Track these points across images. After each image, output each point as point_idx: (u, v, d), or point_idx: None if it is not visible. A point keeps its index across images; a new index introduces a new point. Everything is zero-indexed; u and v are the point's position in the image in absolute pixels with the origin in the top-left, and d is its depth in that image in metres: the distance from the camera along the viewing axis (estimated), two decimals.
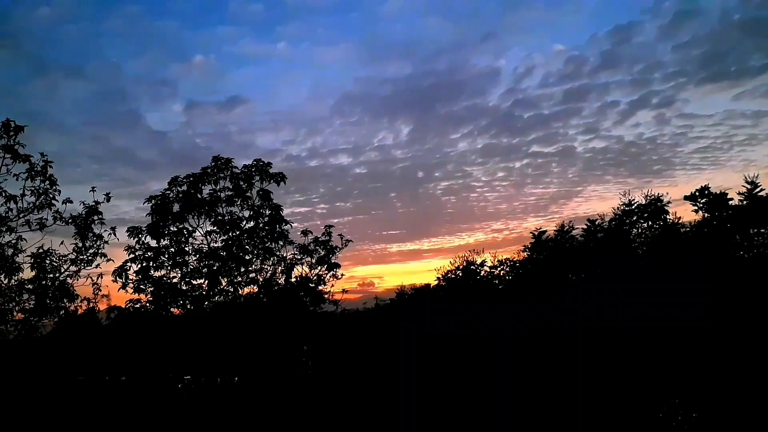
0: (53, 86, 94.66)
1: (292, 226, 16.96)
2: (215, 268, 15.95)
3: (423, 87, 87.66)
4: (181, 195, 16.41)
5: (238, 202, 16.56)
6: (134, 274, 15.75)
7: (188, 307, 15.91)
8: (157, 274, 15.95)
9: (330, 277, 16.94)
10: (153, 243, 16.05)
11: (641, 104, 72.36)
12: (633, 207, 18.81)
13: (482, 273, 24.95)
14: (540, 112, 78.49)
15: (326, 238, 17.11)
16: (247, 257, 16.22)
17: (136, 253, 15.91)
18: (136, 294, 15.71)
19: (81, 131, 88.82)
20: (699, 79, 67.64)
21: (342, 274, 17.16)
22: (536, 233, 23.12)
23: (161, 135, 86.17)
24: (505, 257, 24.76)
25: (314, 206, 79.45)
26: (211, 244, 16.37)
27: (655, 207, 18.17)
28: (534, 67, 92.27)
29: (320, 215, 77.90)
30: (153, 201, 16.15)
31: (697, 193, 17.35)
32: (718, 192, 16.99)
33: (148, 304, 15.75)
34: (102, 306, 15.00)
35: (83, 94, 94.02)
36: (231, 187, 16.67)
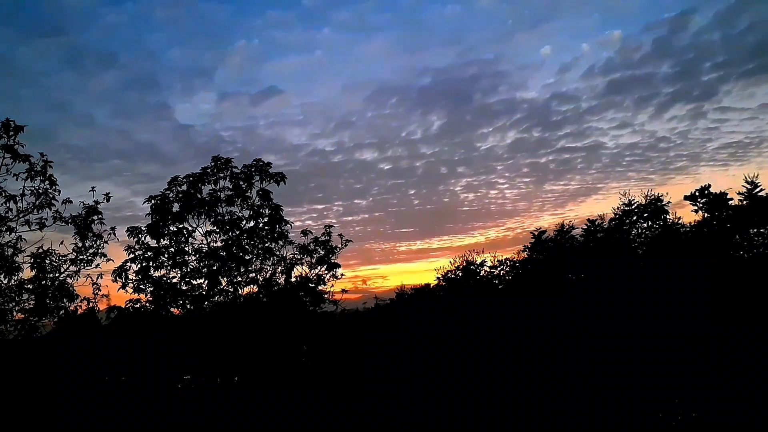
0: (85, 75, 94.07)
1: (291, 225, 16.97)
2: (215, 268, 15.94)
3: (463, 77, 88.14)
4: (180, 195, 16.39)
5: (238, 202, 16.54)
6: (134, 274, 15.74)
7: (188, 307, 15.90)
8: (157, 274, 15.94)
9: (330, 277, 16.92)
10: (153, 243, 16.05)
11: (681, 96, 70.62)
12: (633, 207, 18.79)
13: (482, 273, 24.93)
14: (578, 105, 77.44)
15: (326, 238, 17.10)
16: (246, 257, 16.21)
17: (136, 253, 15.90)
18: (136, 294, 15.71)
19: (106, 124, 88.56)
20: (744, 70, 65.13)
21: (342, 274, 17.15)
22: (536, 233, 23.10)
23: (187, 129, 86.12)
24: (505, 257, 24.74)
25: (332, 203, 79.37)
26: (211, 244, 16.37)
27: (655, 207, 18.16)
28: (580, 56, 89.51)
29: (336, 212, 77.79)
30: (153, 201, 16.13)
31: (696, 193, 17.33)
32: (718, 192, 16.98)
33: (147, 304, 15.73)
34: (102, 306, 15.00)
35: (114, 83, 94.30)
36: (231, 187, 16.65)
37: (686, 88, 69.99)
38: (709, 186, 17.21)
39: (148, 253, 15.94)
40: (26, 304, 13.42)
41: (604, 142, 75.50)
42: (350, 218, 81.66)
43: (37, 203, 13.22)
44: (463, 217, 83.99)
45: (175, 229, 16.23)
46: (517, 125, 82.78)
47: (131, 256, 15.85)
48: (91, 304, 14.47)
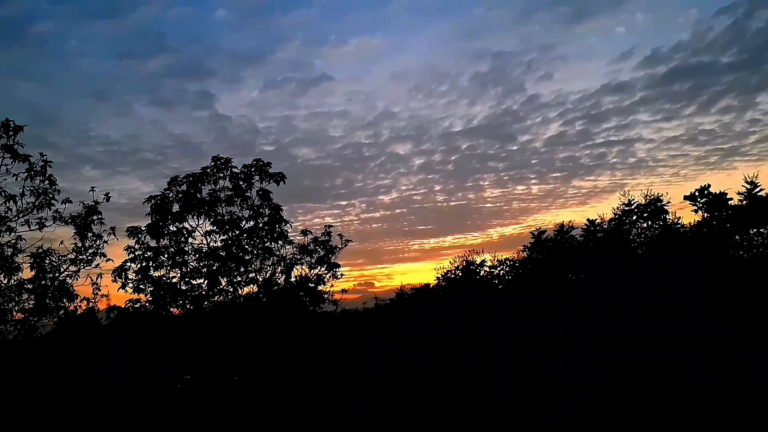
0: (130, 60, 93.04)
1: (291, 225, 16.97)
2: (215, 267, 15.93)
3: (520, 63, 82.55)
4: (180, 195, 16.38)
5: (238, 202, 16.54)
6: (134, 274, 15.74)
7: (188, 307, 15.90)
8: (157, 274, 15.94)
9: (329, 277, 16.93)
10: (152, 243, 16.04)
11: (736, 86, 64.94)
12: (632, 207, 18.79)
13: (482, 273, 24.94)
14: (629, 95, 72.93)
15: (326, 238, 17.10)
16: (246, 257, 16.20)
17: (136, 253, 15.90)
18: (136, 294, 15.71)
19: (142, 115, 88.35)
20: None
21: (341, 274, 17.16)
22: (536, 233, 23.11)
23: (224, 120, 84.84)
24: (505, 257, 24.77)
25: (356, 198, 78.72)
26: (211, 244, 16.36)
27: (655, 207, 18.17)
28: (645, 42, 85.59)
29: (358, 209, 77.08)
30: (152, 201, 16.12)
31: (696, 193, 17.34)
32: (717, 192, 16.99)
33: (147, 304, 15.73)
34: (102, 306, 14.99)
35: (158, 69, 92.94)
36: (230, 186, 16.64)
37: (745, 77, 64.66)
38: (709, 186, 17.22)
39: (148, 253, 15.94)
40: (26, 304, 13.41)
41: (644, 136, 72.31)
42: (370, 215, 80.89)
43: (36, 203, 13.21)
44: (484, 214, 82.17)
45: (174, 229, 16.23)
46: (563, 116, 79.31)
47: (131, 256, 15.86)
48: (90, 304, 14.47)
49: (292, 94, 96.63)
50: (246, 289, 16.36)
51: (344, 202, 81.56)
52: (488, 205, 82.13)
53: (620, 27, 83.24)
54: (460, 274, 25.35)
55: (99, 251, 14.16)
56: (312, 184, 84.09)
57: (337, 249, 17.11)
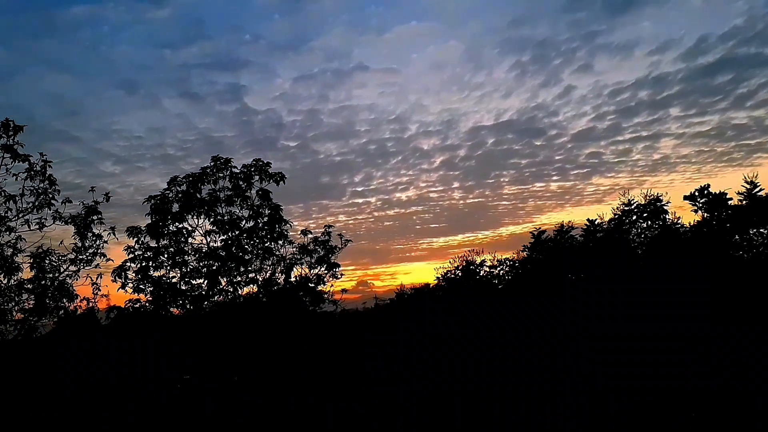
0: (165, 49, 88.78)
1: (291, 225, 16.98)
2: (215, 267, 15.93)
3: (564, 51, 75.17)
4: (180, 195, 16.38)
5: (238, 202, 16.54)
6: (134, 274, 15.74)
7: (188, 307, 15.90)
8: (157, 274, 15.95)
9: (329, 276, 16.93)
10: (152, 243, 16.04)
11: None
12: (632, 207, 18.79)
13: (482, 273, 24.94)
14: (666, 87, 66.63)
15: (326, 237, 17.11)
16: (246, 257, 16.20)
17: (136, 253, 15.90)
18: (136, 294, 15.72)
19: (169, 108, 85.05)
20: None
21: (341, 274, 17.17)
22: (536, 233, 23.11)
23: (251, 114, 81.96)
24: (504, 257, 24.77)
25: (373, 196, 77.57)
26: (211, 244, 16.36)
27: (654, 207, 18.17)
28: (693, 28, 78.43)
29: (373, 206, 75.66)
30: (152, 201, 16.12)
31: (696, 193, 17.34)
32: (717, 192, 16.99)
33: (147, 304, 15.73)
34: (101, 306, 14.99)
35: (191, 59, 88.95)
36: (230, 186, 16.65)
37: None
38: (708, 186, 17.22)
39: (148, 253, 15.94)
40: (26, 304, 13.42)
41: (672, 130, 67.01)
42: (384, 213, 79.16)
43: (36, 203, 13.21)
44: (498, 213, 78.82)
45: (174, 229, 16.24)
46: (596, 110, 73.67)
47: (131, 256, 15.86)
48: (90, 304, 14.47)
49: (325, 86, 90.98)
50: (246, 289, 16.38)
51: (360, 200, 79.35)
52: (504, 202, 78.90)
53: (673, 11, 74.02)
54: (460, 274, 25.35)
55: (99, 251, 14.17)
56: (331, 180, 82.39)
57: (337, 249, 17.13)
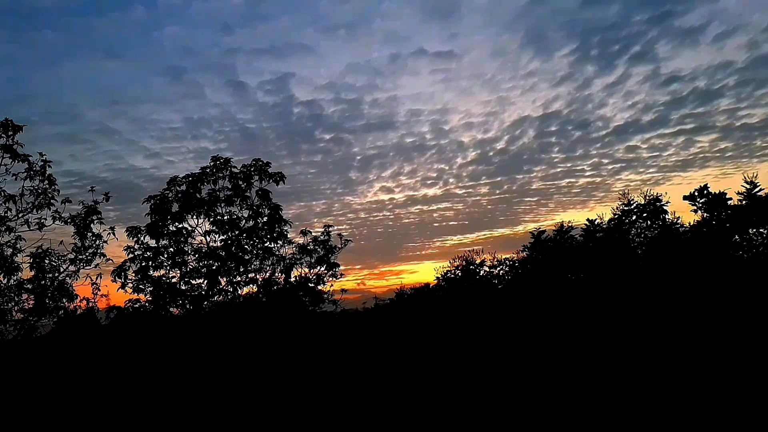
0: (221, 29, 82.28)
1: (291, 225, 17.01)
2: (214, 267, 15.96)
3: (624, 36, 68.28)
4: (180, 195, 16.42)
5: (237, 202, 16.57)
6: (133, 274, 15.76)
7: (187, 307, 15.91)
8: (156, 273, 15.97)
9: (329, 276, 16.96)
10: (152, 243, 16.07)
11: None
12: (632, 207, 18.82)
13: (482, 273, 24.98)
14: (720, 78, 62.39)
15: (325, 237, 17.14)
16: (246, 257, 16.23)
17: (135, 253, 15.92)
18: (135, 294, 15.73)
19: (210, 98, 79.77)
20: None
21: (341, 274, 17.19)
22: (535, 233, 23.14)
23: (291, 104, 77.00)
24: (504, 257, 24.83)
25: (399, 192, 75.59)
26: (210, 244, 16.39)
27: (654, 207, 18.19)
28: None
29: (395, 203, 73.09)
30: (152, 201, 16.16)
31: (696, 193, 17.36)
32: (717, 192, 17.01)
33: (147, 304, 15.75)
34: (101, 305, 15.01)
35: (243, 43, 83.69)
36: (230, 186, 16.68)
37: None
38: (708, 186, 17.25)
39: (148, 253, 15.97)
40: (26, 304, 13.45)
41: (716, 124, 63.36)
42: (407, 210, 76.75)
43: (36, 203, 13.25)
44: (520, 209, 75.85)
45: (174, 229, 16.26)
46: (645, 99, 68.92)
47: (130, 256, 15.88)
48: (90, 304, 14.49)
49: (375, 73, 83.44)
50: (246, 289, 16.40)
51: (386, 197, 77.19)
52: (527, 199, 76.43)
53: None
54: (459, 274, 25.39)
55: (99, 251, 14.21)
56: (359, 175, 79.50)
57: (337, 249, 17.16)
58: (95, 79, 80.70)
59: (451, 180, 78.03)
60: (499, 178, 78.00)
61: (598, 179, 71.39)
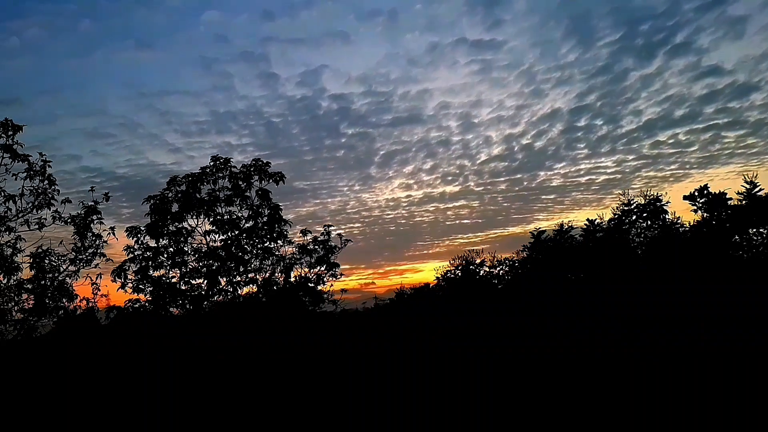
0: (259, 15, 76.70)
1: (291, 225, 17.02)
2: (214, 267, 15.96)
3: (671, 26, 62.28)
4: (179, 195, 16.43)
5: (237, 202, 16.59)
6: (133, 274, 15.77)
7: (187, 307, 15.92)
8: (156, 273, 15.98)
9: (329, 276, 16.96)
10: (152, 243, 16.08)
11: None
12: (632, 207, 18.82)
13: (482, 273, 24.98)
14: (751, 78, 57.63)
15: (325, 237, 17.15)
16: (246, 257, 16.24)
17: (135, 253, 15.93)
18: (135, 294, 15.74)
19: (238, 90, 75.00)
20: None
21: (341, 274, 17.19)
22: (535, 233, 23.15)
23: (320, 97, 72.22)
24: (504, 257, 24.84)
25: (417, 189, 72.86)
26: (210, 244, 16.39)
27: (654, 207, 18.20)
28: None
29: (414, 200, 71.37)
30: (152, 201, 16.17)
31: (696, 193, 17.36)
32: (717, 192, 17.01)
33: (147, 304, 15.76)
34: (101, 305, 15.02)
35: (279, 31, 77.45)
36: (230, 186, 16.69)
37: None
38: (708, 186, 17.26)
39: (148, 253, 15.98)
40: (26, 304, 13.45)
41: (747, 119, 59.59)
42: (423, 208, 74.26)
43: (36, 203, 13.27)
44: (535, 206, 71.94)
45: (174, 229, 16.27)
46: (678, 94, 63.89)
47: (130, 256, 15.89)
48: (90, 304, 14.50)
49: (411, 64, 78.02)
50: (245, 289, 16.41)
51: (403, 194, 72.20)
52: (543, 196, 73.21)
53: None
54: (459, 274, 25.39)
55: (98, 251, 14.22)
56: (379, 172, 74.24)
57: (337, 249, 17.16)
58: (124, 70, 77.33)
59: (471, 177, 73.43)
60: (519, 175, 74.36)
61: (619, 176, 68.78)
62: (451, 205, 73.18)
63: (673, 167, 65.07)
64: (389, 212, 71.36)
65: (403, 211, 72.18)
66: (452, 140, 74.39)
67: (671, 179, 66.39)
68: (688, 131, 64.67)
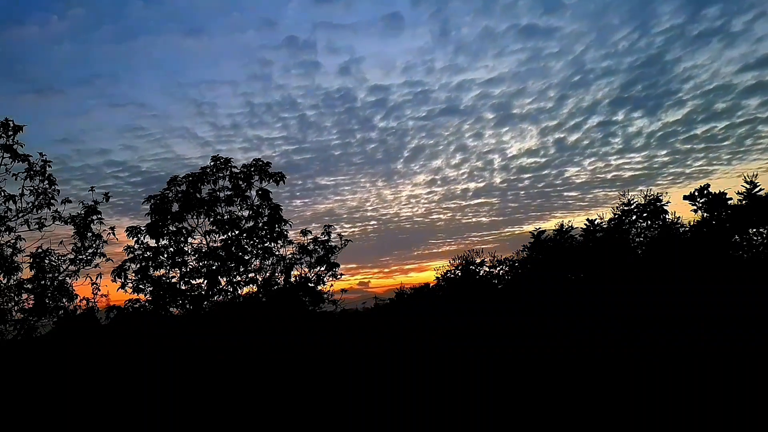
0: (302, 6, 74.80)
1: (291, 225, 17.03)
2: (214, 267, 15.97)
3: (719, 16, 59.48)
4: (180, 195, 16.44)
5: (237, 202, 16.60)
6: (133, 274, 15.77)
7: (187, 307, 15.92)
8: (157, 273, 15.98)
9: (329, 276, 16.97)
10: (152, 243, 16.09)
11: None
12: (632, 207, 18.82)
13: (481, 273, 24.98)
14: None
15: (325, 237, 17.15)
16: (246, 257, 16.25)
17: (135, 253, 15.93)
18: (135, 294, 15.74)
19: (281, 84, 73.36)
20: None
21: (341, 274, 17.19)
22: (535, 233, 23.14)
23: (358, 89, 70.69)
24: (504, 257, 24.83)
25: (441, 186, 69.48)
26: (210, 244, 16.39)
27: (654, 207, 18.20)
28: None
29: (436, 196, 68.27)
30: (152, 201, 16.17)
31: (696, 193, 17.36)
32: (717, 192, 17.01)
33: (147, 304, 15.76)
34: (101, 305, 15.01)
35: (325, 17, 75.66)
36: (230, 186, 16.70)
37: None
38: (708, 186, 17.25)
39: (148, 252, 15.98)
40: (26, 303, 13.45)
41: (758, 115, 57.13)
42: (445, 205, 69.27)
43: (36, 203, 13.27)
44: (549, 204, 68.86)
45: (174, 229, 16.27)
46: (722, 86, 60.10)
47: (130, 255, 15.89)
48: (90, 304, 14.49)
49: (459, 51, 72.86)
50: (246, 289, 16.42)
51: (425, 191, 70.58)
52: (568, 192, 68.65)
53: None
54: (459, 274, 25.38)
55: (98, 251, 14.21)
56: (404, 167, 72.39)
57: (337, 249, 17.16)
58: (166, 58, 75.33)
59: (497, 172, 69.62)
60: (546, 171, 68.52)
61: (646, 172, 65.30)
62: (471, 202, 69.91)
63: (699, 163, 61.76)
64: (407, 210, 69.44)
65: (422, 209, 70.07)
66: (484, 134, 68.94)
67: (693, 176, 63.38)
68: (725, 127, 61.06)
